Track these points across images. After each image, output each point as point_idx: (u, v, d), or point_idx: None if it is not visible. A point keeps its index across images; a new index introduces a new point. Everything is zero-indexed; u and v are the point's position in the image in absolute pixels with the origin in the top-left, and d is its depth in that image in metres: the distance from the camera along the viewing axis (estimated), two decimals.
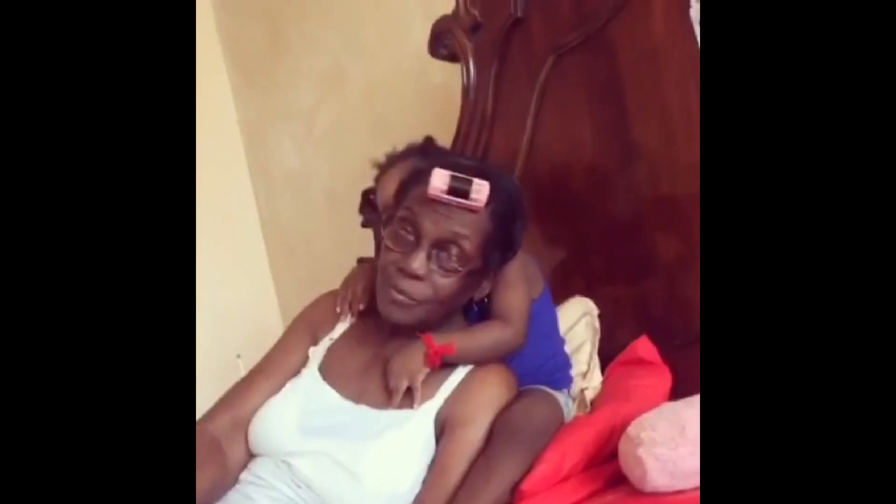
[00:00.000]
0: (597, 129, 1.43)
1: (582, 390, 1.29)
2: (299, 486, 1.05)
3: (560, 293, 1.40)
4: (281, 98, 2.18)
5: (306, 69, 2.12)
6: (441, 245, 1.08)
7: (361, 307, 1.20)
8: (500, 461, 1.02)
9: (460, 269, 1.08)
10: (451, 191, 1.06)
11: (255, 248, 2.30)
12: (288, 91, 2.17)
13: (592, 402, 1.28)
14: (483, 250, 1.10)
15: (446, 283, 1.09)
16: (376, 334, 1.19)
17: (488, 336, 1.16)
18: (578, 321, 1.37)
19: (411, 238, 1.09)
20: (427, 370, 1.11)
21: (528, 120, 1.47)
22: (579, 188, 1.46)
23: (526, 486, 1.02)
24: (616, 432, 1.07)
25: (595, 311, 1.38)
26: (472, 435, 1.07)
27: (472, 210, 1.07)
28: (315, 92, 2.12)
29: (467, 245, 1.08)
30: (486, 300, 1.18)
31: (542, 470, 1.04)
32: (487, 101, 1.52)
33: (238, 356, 1.89)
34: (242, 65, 2.21)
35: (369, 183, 1.41)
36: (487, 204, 1.08)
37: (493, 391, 1.10)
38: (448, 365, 1.13)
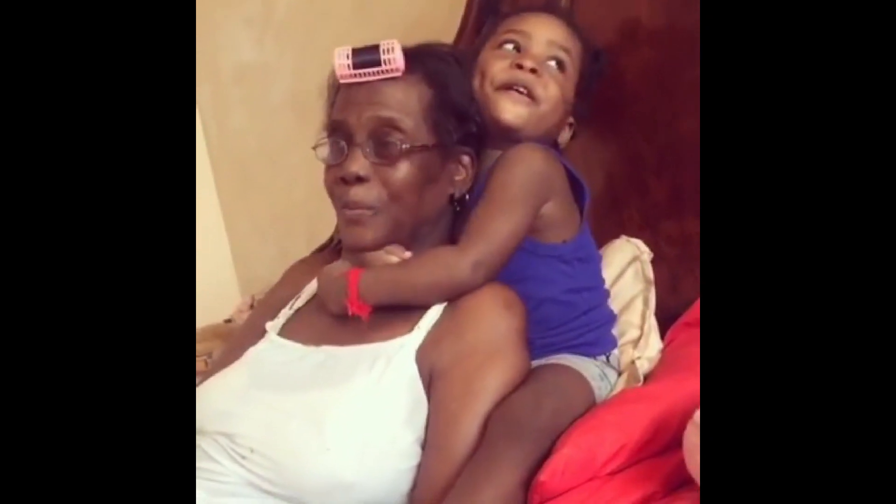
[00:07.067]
0: (656, 6, 1.41)
1: (632, 361, 1.26)
2: (244, 458, 1.06)
3: (605, 232, 1.38)
4: None
5: None
6: (377, 135, 1.14)
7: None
8: (494, 462, 1.02)
9: (405, 147, 1.13)
10: (359, 65, 1.14)
11: (198, 172, 2.26)
12: None
13: (647, 377, 1.25)
14: (429, 121, 1.16)
15: (397, 172, 1.14)
16: None
17: (426, 268, 1.14)
18: (625, 270, 1.35)
19: (343, 143, 1.15)
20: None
21: None
22: (632, 87, 1.44)
23: (545, 476, 1.00)
24: (678, 414, 1.04)
25: (647, 255, 1.36)
26: (483, 371, 1.08)
27: (392, 76, 1.14)
28: None
29: (406, 122, 1.14)
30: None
31: (569, 456, 1.01)
32: None
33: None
34: None
35: None
36: (413, 69, 1.15)
37: (491, 317, 1.12)
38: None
